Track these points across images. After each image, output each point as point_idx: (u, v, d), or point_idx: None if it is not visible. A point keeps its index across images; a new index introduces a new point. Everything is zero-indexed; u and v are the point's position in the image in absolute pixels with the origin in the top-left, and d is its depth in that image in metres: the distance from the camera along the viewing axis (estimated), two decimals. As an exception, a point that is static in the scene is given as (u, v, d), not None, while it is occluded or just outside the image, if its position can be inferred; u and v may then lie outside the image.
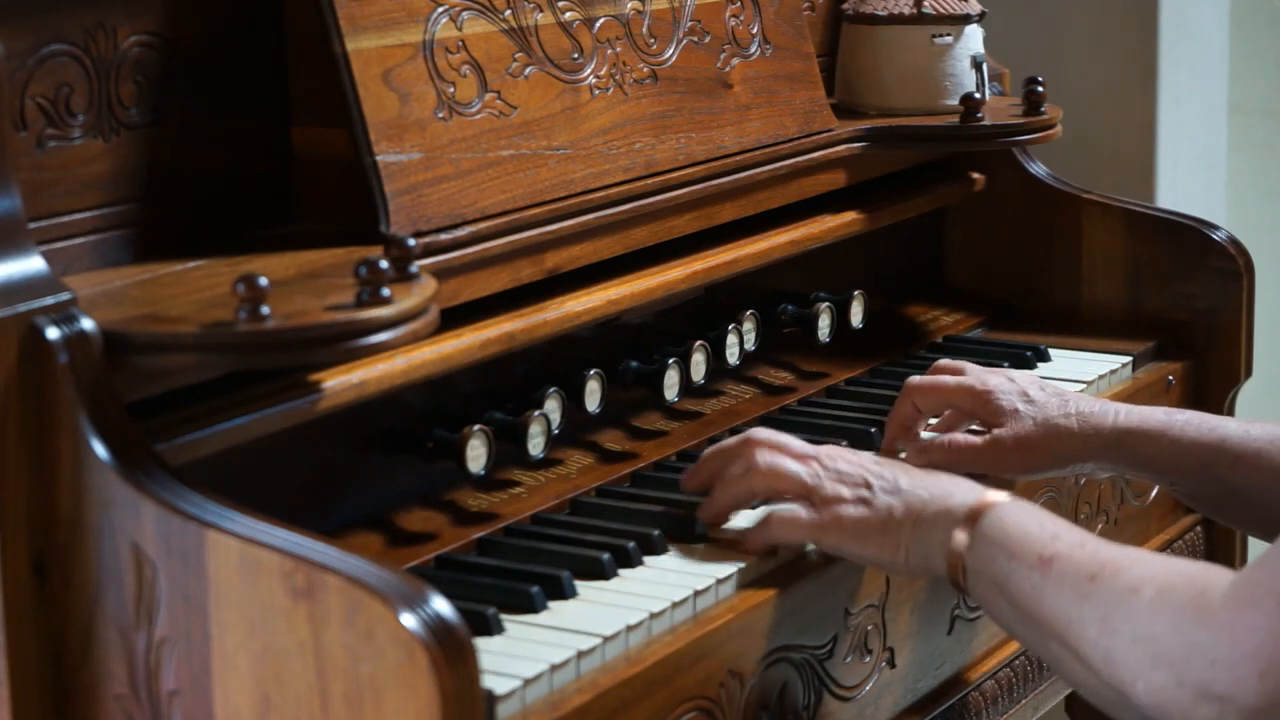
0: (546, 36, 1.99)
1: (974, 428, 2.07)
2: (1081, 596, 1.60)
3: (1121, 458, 1.99)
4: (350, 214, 1.78)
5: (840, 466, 1.79)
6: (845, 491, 1.77)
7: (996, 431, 2.00)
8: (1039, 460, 1.99)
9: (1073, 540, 1.65)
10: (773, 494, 1.82)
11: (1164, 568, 1.59)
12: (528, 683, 1.51)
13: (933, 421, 2.09)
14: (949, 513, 1.72)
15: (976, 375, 2.04)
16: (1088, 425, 1.98)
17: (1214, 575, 1.56)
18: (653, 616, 1.64)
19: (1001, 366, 2.34)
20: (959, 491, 1.74)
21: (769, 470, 1.80)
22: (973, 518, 1.71)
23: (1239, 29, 3.27)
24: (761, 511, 1.83)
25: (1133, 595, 1.57)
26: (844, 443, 2.00)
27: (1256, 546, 2.21)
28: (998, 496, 1.72)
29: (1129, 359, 2.45)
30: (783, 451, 1.82)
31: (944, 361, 2.11)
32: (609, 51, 2.06)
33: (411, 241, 1.60)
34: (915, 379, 2.06)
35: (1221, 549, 2.56)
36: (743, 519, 1.84)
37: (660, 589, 1.69)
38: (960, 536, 1.70)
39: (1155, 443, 1.97)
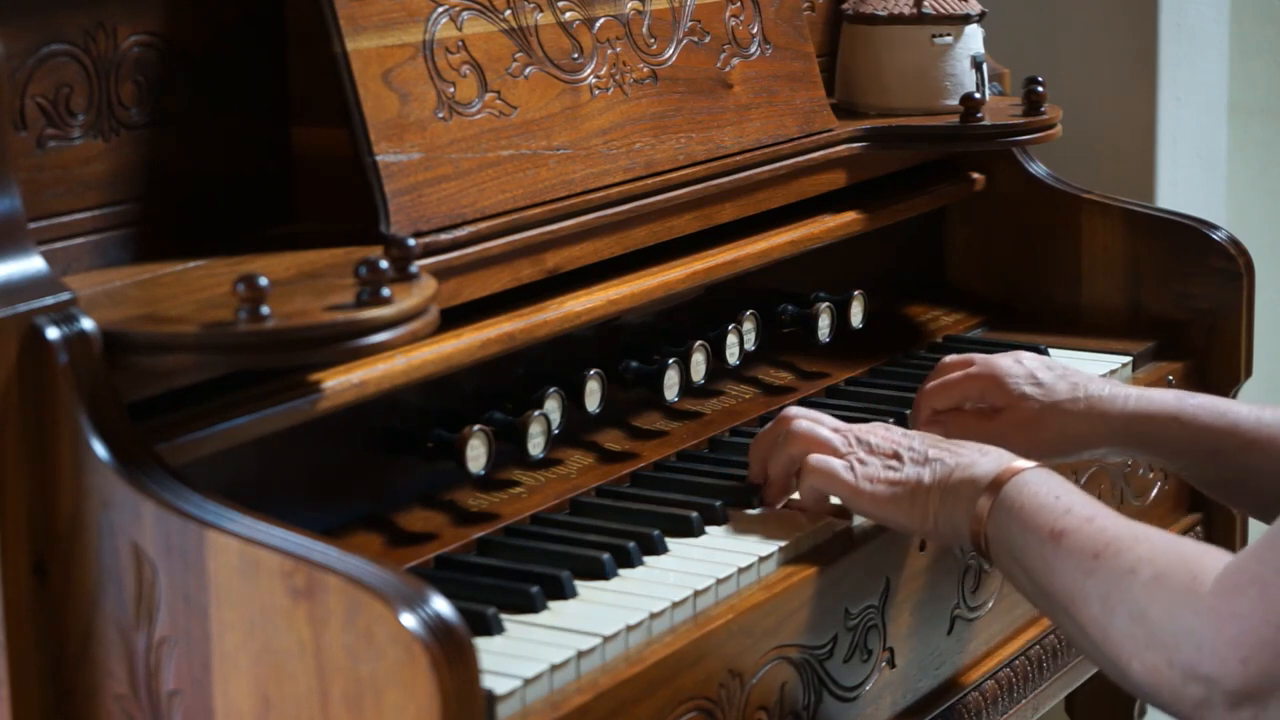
0: (546, 36, 1.99)
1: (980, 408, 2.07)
2: (1085, 573, 1.64)
3: (1131, 442, 1.99)
4: (350, 214, 1.78)
5: (871, 439, 1.85)
6: (876, 461, 1.83)
7: (1003, 413, 2.00)
8: (1045, 444, 2.00)
9: (1084, 515, 1.68)
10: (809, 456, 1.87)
11: (1164, 549, 1.62)
12: (528, 683, 1.51)
13: None
14: (973, 481, 1.76)
15: (984, 362, 2.05)
16: (1095, 410, 1.99)
17: (1209, 560, 1.59)
18: (653, 616, 1.64)
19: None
20: (985, 461, 1.78)
21: (803, 434, 1.86)
22: (995, 486, 1.74)
23: (1239, 29, 3.27)
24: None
25: (1131, 575, 1.60)
26: (891, 420, 2.05)
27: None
28: (1021, 465, 1.76)
29: (1129, 359, 2.45)
30: (817, 422, 1.88)
31: (950, 358, 2.11)
32: (609, 51, 2.06)
33: (411, 241, 1.60)
34: (927, 385, 2.07)
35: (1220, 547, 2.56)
36: None
37: (660, 589, 1.69)
38: (983, 505, 1.74)
39: (1166, 427, 1.97)
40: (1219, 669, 1.52)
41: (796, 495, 1.89)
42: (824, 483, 1.84)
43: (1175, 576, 1.58)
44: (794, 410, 1.92)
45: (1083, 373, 2.04)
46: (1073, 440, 2.00)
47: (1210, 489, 2.05)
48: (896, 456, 1.82)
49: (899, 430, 1.87)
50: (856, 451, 1.84)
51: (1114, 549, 1.63)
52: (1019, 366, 2.03)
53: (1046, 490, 1.72)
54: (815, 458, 1.85)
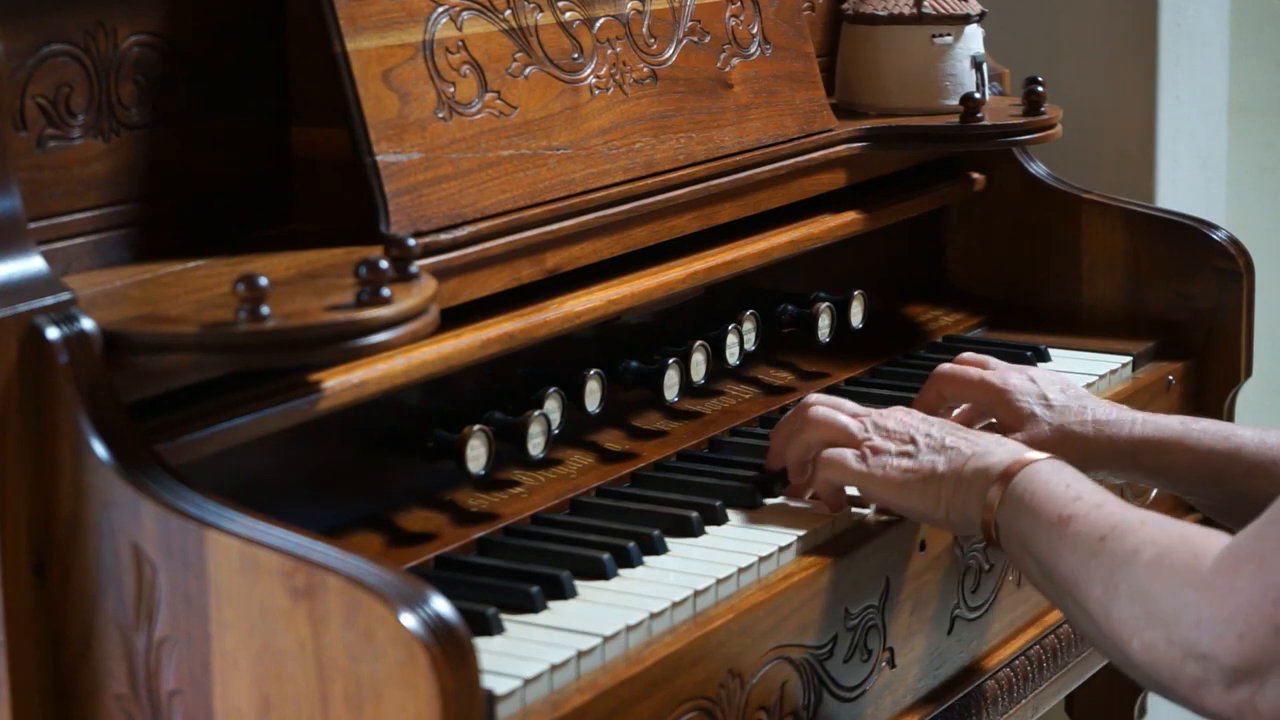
0: (546, 36, 1.99)
1: (991, 422, 2.08)
2: (1090, 555, 1.65)
3: (1136, 467, 2.00)
4: (350, 214, 1.78)
5: (889, 424, 1.88)
6: (892, 446, 1.85)
7: (1012, 434, 2.00)
8: None
9: (1092, 501, 1.69)
10: (825, 444, 1.89)
11: (1168, 531, 1.63)
12: (528, 683, 1.51)
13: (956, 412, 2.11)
14: (986, 471, 1.78)
15: (999, 373, 2.06)
16: (1103, 434, 1.99)
17: (1212, 540, 1.60)
18: (653, 616, 1.64)
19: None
20: (999, 450, 1.80)
21: (820, 420, 1.89)
22: (1007, 476, 1.76)
23: (1239, 29, 3.27)
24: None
25: (1134, 555, 1.61)
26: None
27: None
28: (1034, 456, 1.77)
29: (1129, 359, 2.45)
30: (836, 408, 1.91)
31: (969, 355, 2.12)
32: (609, 51, 2.06)
33: (411, 241, 1.60)
34: (944, 366, 2.09)
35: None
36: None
37: (660, 589, 1.69)
38: (994, 494, 1.76)
39: (1170, 453, 1.98)
40: (1216, 645, 1.53)
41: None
42: (836, 474, 1.87)
43: (1177, 555, 1.59)
44: (814, 397, 1.94)
45: (1090, 395, 2.05)
46: (1078, 462, 2.00)
47: (1213, 512, 2.05)
48: (913, 442, 1.84)
49: (919, 415, 1.89)
50: (873, 437, 1.86)
51: (1119, 531, 1.64)
52: (1031, 385, 2.04)
53: (1058, 479, 1.73)
54: (828, 451, 1.87)
